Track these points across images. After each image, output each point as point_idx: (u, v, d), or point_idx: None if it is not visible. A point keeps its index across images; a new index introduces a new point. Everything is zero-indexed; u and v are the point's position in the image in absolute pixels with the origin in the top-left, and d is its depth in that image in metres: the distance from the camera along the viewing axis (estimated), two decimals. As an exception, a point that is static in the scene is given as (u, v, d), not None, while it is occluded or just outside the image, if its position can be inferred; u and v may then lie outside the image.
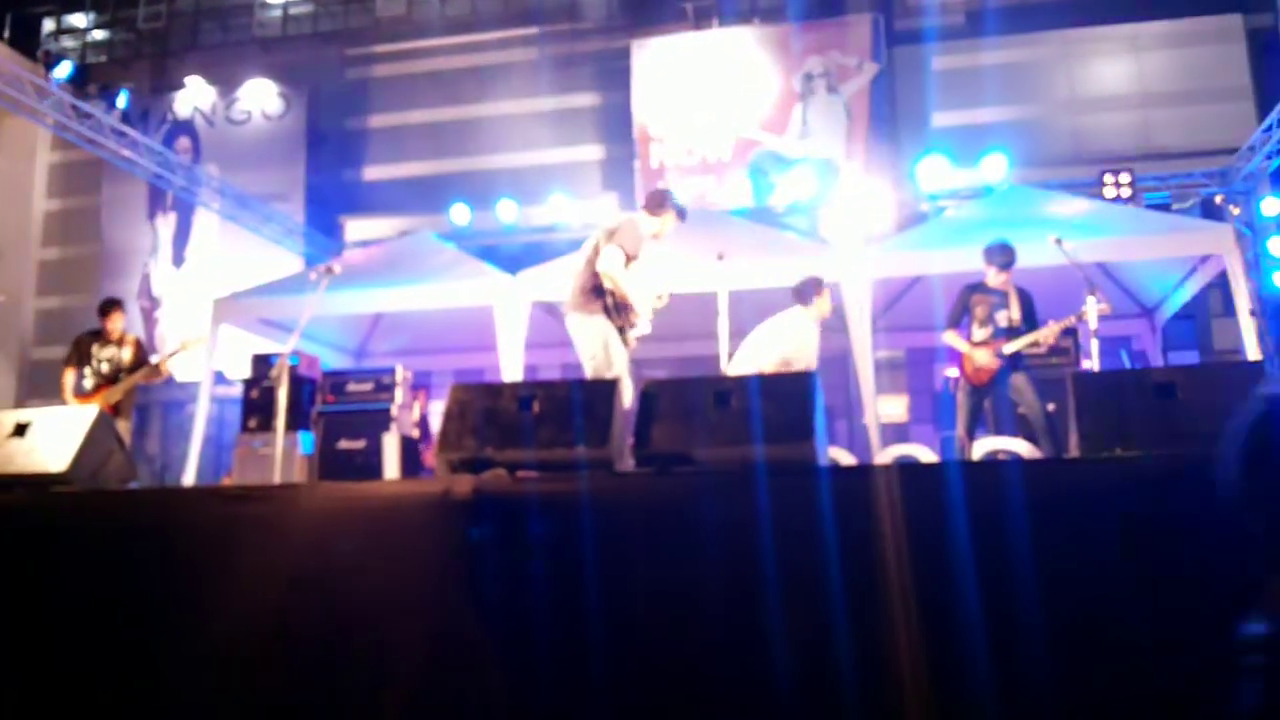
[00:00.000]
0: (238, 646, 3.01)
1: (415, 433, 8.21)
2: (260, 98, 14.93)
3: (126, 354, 6.52)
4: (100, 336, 6.51)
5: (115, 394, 6.31)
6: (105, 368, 6.43)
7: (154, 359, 6.58)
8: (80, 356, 6.44)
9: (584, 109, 14.07)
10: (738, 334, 5.87)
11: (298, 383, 7.96)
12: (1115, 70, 12.52)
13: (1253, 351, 6.88)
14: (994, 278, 5.95)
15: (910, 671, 2.59)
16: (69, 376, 6.40)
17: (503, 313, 7.42)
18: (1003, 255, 5.91)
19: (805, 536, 2.75)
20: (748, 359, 5.74)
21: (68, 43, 16.31)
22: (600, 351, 4.74)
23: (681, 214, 5.00)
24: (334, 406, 8.13)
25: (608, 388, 3.39)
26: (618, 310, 4.81)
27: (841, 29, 12.81)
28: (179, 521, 3.31)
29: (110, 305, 6.66)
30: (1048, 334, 5.77)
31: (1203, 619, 2.44)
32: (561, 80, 14.12)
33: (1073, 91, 12.64)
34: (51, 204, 16.29)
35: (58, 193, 16.26)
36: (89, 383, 6.39)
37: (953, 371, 6.41)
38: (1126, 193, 9.83)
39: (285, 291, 8.15)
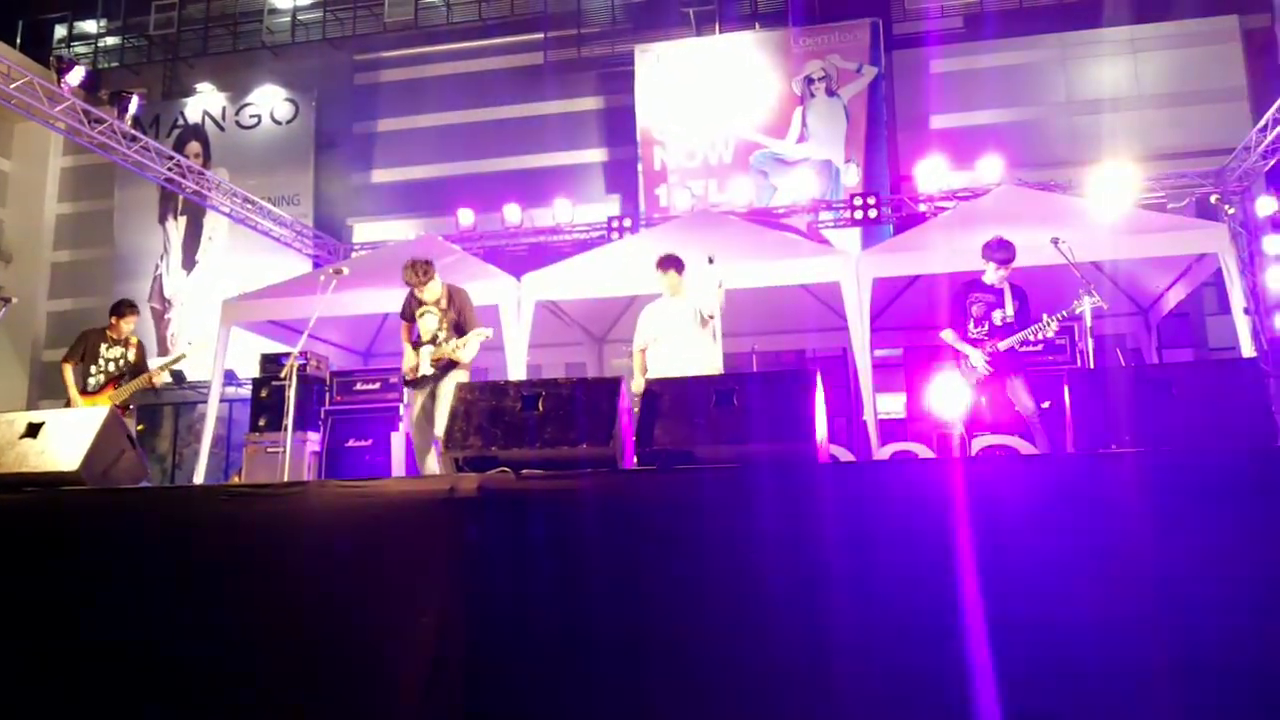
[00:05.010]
0: (248, 642, 3.03)
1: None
2: (269, 102, 15.07)
3: (132, 354, 6.58)
4: (107, 335, 6.53)
5: (121, 395, 6.35)
6: (112, 368, 6.47)
7: (153, 364, 6.63)
8: (86, 353, 6.44)
9: (588, 113, 14.17)
10: (732, 334, 5.96)
11: (306, 382, 8.08)
12: (1111, 72, 12.55)
13: (1247, 349, 6.95)
14: (992, 274, 5.95)
15: (911, 665, 2.60)
16: (71, 371, 6.39)
17: (508, 313, 7.54)
18: (1002, 252, 5.88)
19: (806, 532, 2.77)
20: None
21: (79, 48, 16.44)
22: None
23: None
24: (342, 405, 8.24)
25: (611, 386, 3.39)
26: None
27: (841, 33, 12.89)
28: (189, 520, 3.29)
29: (127, 307, 6.69)
30: (1042, 329, 5.79)
31: (1203, 612, 2.49)
32: (566, 85, 14.24)
33: (1069, 93, 12.69)
34: (64, 208, 16.42)
35: (69, 196, 16.39)
36: (95, 380, 6.43)
37: (952, 377, 6.40)
38: (1122, 193, 9.87)
39: (294, 293, 8.24)
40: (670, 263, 5.87)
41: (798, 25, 13.19)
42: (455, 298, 5.96)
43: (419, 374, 5.81)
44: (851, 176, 12.42)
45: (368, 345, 10.12)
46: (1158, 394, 3.23)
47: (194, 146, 14.97)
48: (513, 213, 12.14)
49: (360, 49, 15.41)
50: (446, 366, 5.80)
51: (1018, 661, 2.54)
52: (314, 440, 8.19)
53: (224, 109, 15.25)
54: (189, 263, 14.98)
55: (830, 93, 12.80)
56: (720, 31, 13.63)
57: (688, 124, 13.14)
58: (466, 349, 5.76)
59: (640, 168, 13.19)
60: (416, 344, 5.91)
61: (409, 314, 5.99)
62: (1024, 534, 2.66)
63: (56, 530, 3.37)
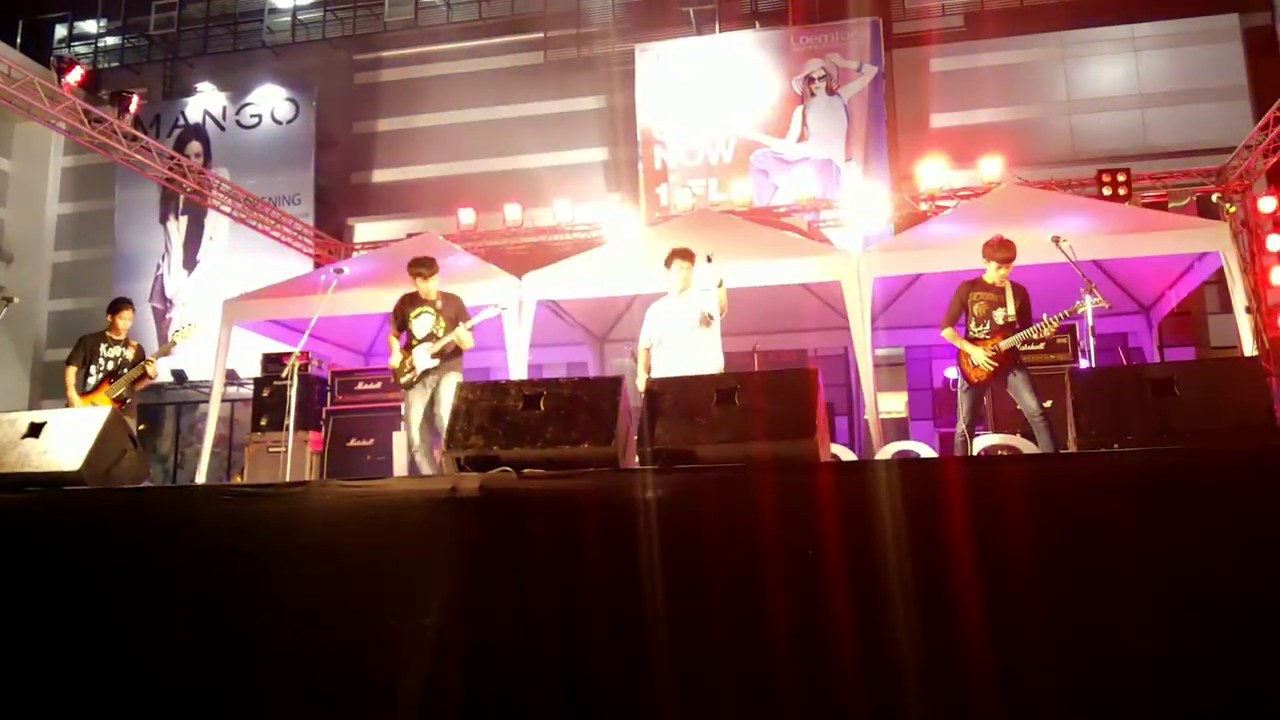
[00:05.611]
0: (247, 642, 3.04)
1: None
2: (270, 102, 15.07)
3: (130, 354, 6.63)
4: (106, 336, 6.59)
5: (117, 388, 6.40)
6: (110, 366, 6.51)
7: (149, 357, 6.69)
8: (86, 355, 6.50)
9: (588, 112, 14.17)
10: (732, 333, 5.96)
11: (308, 382, 8.09)
12: (1112, 70, 12.58)
13: (1248, 347, 6.94)
14: (993, 274, 5.93)
15: (911, 666, 2.59)
16: (73, 374, 6.45)
17: (509, 313, 7.53)
18: (1002, 251, 5.86)
19: (807, 532, 2.76)
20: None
21: (79, 48, 16.45)
22: None
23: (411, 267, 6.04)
24: (343, 405, 8.25)
25: (612, 385, 3.39)
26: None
27: (841, 32, 12.91)
28: (191, 520, 3.29)
29: (121, 304, 6.74)
30: (1043, 329, 5.78)
31: (1204, 611, 2.49)
32: (566, 84, 14.24)
33: (1070, 92, 12.70)
34: (65, 208, 16.44)
35: (70, 196, 16.40)
36: (93, 380, 6.46)
37: (951, 372, 6.42)
38: (1123, 191, 9.88)
39: (295, 292, 8.22)
40: (679, 254, 5.84)
41: (798, 24, 13.21)
42: (451, 300, 6.07)
43: (417, 370, 5.83)
44: (852, 175, 12.42)
45: (369, 345, 10.11)
46: (1160, 393, 3.21)
47: (194, 146, 14.98)
48: (513, 212, 12.14)
49: (360, 48, 15.42)
50: (450, 356, 5.85)
51: (1019, 662, 2.53)
52: (315, 440, 8.19)
53: (224, 108, 15.26)
54: (190, 262, 14.98)
55: (830, 92, 12.81)
56: (720, 30, 13.64)
57: (688, 123, 13.15)
58: (470, 333, 5.89)
59: (641, 167, 13.21)
60: (408, 347, 5.95)
61: (401, 319, 6.02)
62: (1026, 534, 2.64)
63: (57, 530, 3.37)
